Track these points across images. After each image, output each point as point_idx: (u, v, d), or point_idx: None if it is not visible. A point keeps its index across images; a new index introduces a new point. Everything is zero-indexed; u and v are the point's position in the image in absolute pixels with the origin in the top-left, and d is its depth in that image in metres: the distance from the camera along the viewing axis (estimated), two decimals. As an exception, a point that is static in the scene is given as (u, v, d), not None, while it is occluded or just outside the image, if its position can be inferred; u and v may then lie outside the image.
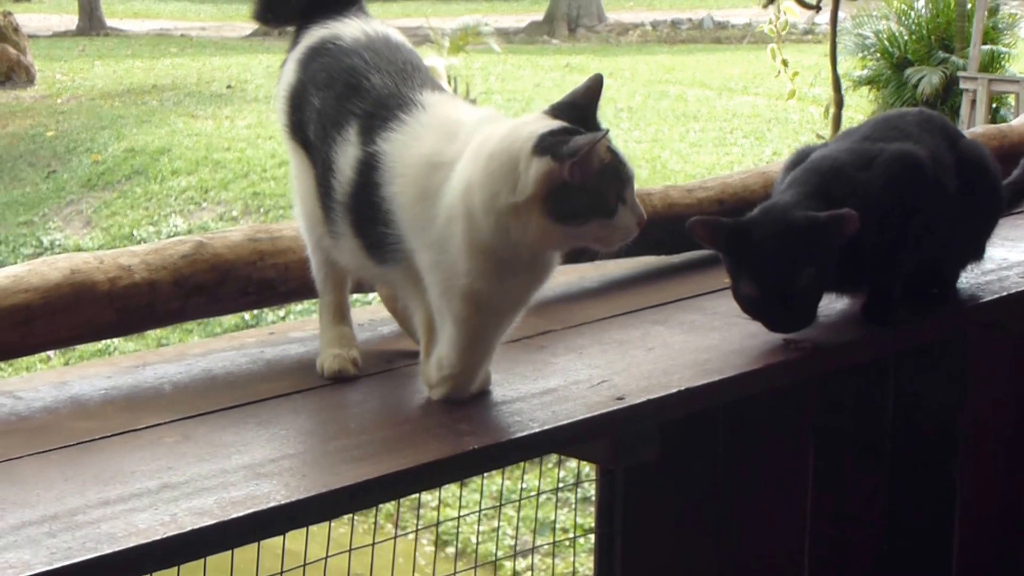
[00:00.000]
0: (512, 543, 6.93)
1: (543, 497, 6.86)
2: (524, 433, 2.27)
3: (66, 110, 18.04)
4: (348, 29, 2.52)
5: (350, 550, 3.28)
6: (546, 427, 2.29)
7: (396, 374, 2.57)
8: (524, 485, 6.85)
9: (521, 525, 6.97)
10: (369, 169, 2.33)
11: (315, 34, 2.54)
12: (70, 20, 30.46)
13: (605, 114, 17.01)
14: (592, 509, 6.61)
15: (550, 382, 2.50)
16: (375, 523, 3.92)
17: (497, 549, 6.95)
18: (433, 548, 7.07)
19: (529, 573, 6.54)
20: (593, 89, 2.29)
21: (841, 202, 2.64)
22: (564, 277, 3.09)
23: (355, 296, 2.72)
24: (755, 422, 2.89)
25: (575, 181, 2.16)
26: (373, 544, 3.46)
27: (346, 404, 2.45)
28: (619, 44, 28.45)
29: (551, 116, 2.26)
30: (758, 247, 2.61)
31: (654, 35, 29.91)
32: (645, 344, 2.73)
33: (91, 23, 29.55)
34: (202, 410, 2.37)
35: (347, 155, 2.37)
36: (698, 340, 2.76)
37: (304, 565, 2.86)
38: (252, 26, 30.89)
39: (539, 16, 30.78)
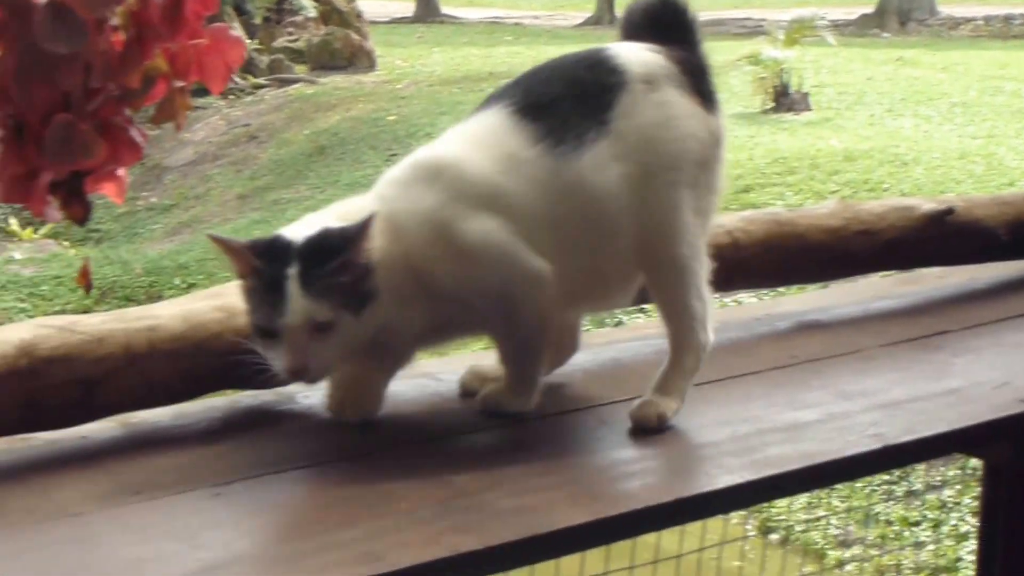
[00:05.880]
0: (835, 532, 6.96)
1: (868, 489, 6.89)
2: (931, 433, 2.36)
3: (406, 95, 18.46)
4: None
5: (700, 549, 3.41)
6: (954, 427, 2.38)
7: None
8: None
9: (847, 516, 7.01)
10: None
11: None
12: (407, 7, 31.25)
13: (939, 108, 16.63)
14: (916, 503, 6.65)
15: (952, 383, 2.59)
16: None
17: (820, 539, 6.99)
18: (757, 534, 7.14)
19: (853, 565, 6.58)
20: None
21: None
22: (955, 278, 3.21)
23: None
24: None
25: None
26: (722, 543, 3.59)
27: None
28: (950, 38, 27.89)
29: None
30: None
31: (986, 30, 29.23)
32: (1043, 347, 2.77)
33: (427, 10, 30.29)
34: (614, 398, 2.52)
35: None
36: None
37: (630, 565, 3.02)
38: (583, 15, 31.37)
39: (870, 9, 30.39)
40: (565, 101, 2.39)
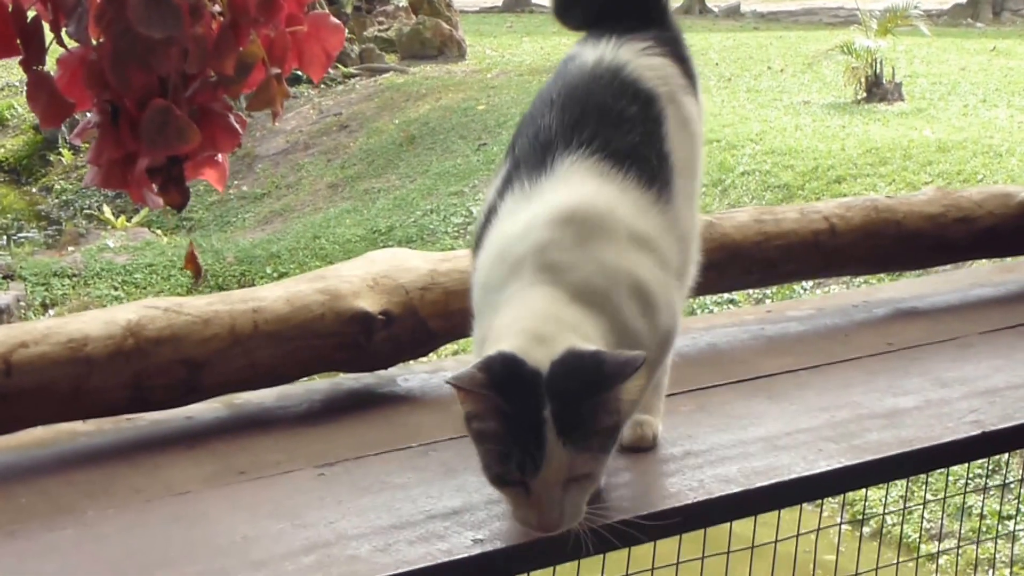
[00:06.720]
0: (928, 526, 6.93)
1: (960, 484, 6.85)
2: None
3: (496, 85, 18.47)
4: (591, 51, 2.29)
5: (798, 535, 3.39)
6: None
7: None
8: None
9: (938, 508, 6.97)
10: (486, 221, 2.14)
11: (576, 48, 2.33)
12: (496, -3, 31.36)
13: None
14: (1009, 496, 6.59)
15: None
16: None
17: (918, 534, 6.97)
18: (849, 527, 7.11)
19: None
20: None
21: None
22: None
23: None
24: None
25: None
26: (818, 529, 3.57)
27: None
28: (1046, 28, 27.58)
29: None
30: None
31: (1082, 19, 28.89)
32: None
33: (516, 0, 30.35)
34: (713, 382, 2.53)
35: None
36: None
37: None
38: (672, 4, 31.15)
39: (963, -1, 30.15)
40: (638, 144, 2.15)
